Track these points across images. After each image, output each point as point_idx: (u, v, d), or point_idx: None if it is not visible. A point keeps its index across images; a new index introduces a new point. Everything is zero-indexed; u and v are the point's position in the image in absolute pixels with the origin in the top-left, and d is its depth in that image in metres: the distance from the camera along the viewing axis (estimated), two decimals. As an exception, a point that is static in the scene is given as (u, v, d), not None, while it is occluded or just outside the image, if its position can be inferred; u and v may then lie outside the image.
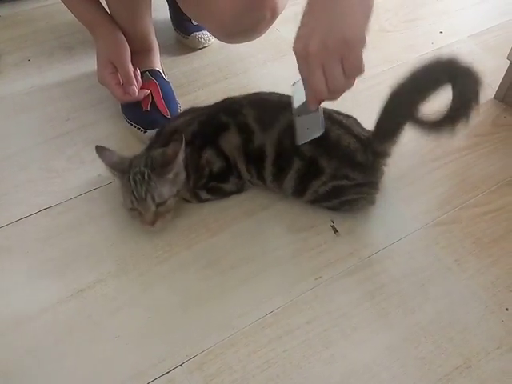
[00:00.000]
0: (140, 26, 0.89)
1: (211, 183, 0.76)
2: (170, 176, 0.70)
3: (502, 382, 0.60)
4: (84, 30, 0.87)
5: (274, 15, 0.78)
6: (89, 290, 0.68)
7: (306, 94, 0.62)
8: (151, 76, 0.89)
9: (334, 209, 0.75)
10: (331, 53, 0.54)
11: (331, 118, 0.71)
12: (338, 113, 0.74)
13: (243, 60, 1.04)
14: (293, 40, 0.57)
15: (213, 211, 0.77)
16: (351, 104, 0.95)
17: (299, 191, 0.73)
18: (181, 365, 0.61)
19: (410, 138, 0.88)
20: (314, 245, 0.72)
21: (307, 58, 0.55)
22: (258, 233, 0.74)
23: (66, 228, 0.75)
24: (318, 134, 0.65)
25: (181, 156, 0.70)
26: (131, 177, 0.69)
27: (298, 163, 0.70)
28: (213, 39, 1.06)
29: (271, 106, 0.72)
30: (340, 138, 0.70)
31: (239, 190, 0.78)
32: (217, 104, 0.77)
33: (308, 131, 0.65)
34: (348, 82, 0.57)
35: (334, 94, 0.58)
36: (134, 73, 0.84)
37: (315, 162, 0.69)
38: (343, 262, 0.70)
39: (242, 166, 0.74)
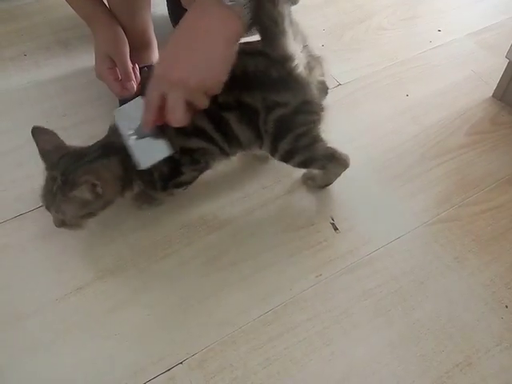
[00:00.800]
0: (139, 21, 0.88)
1: (169, 184, 0.71)
2: (76, 199, 0.63)
3: (502, 379, 0.60)
4: (81, 24, 0.86)
5: None
6: (88, 288, 0.68)
7: (144, 116, 0.60)
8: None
9: (299, 165, 0.71)
10: (187, 90, 0.56)
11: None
12: None
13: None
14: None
15: (212, 208, 0.77)
16: (350, 102, 0.96)
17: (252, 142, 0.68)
18: (181, 362, 0.61)
19: (408, 137, 0.89)
20: (314, 242, 0.72)
21: (164, 83, 0.56)
22: (258, 230, 0.74)
23: (64, 225, 0.74)
24: (166, 154, 0.62)
25: (94, 189, 0.63)
26: (48, 175, 0.64)
27: (231, 115, 0.65)
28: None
29: None
30: (245, 65, 0.62)
31: (201, 171, 0.74)
32: None
33: (151, 154, 0.62)
34: (186, 117, 0.58)
35: (174, 123, 0.58)
36: (133, 68, 0.83)
37: (242, 104, 0.64)
38: (343, 259, 0.70)
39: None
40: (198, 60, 0.55)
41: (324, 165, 0.73)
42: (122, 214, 0.75)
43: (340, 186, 0.79)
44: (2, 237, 0.73)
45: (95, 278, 0.69)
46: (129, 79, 0.81)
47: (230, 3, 0.52)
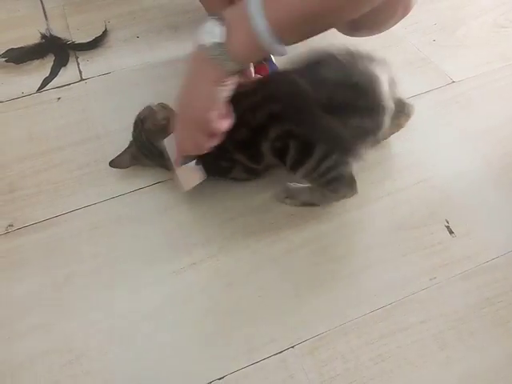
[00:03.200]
0: None
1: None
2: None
3: None
4: (191, 10, 0.88)
5: (405, 12, 0.77)
6: (202, 264, 0.70)
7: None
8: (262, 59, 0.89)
9: (320, 186, 0.72)
10: (190, 125, 0.64)
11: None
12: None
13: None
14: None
15: (321, 199, 0.77)
16: (464, 100, 0.91)
17: (300, 162, 0.69)
18: (292, 347, 0.62)
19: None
20: (428, 244, 0.70)
21: (179, 120, 0.66)
22: (368, 226, 0.73)
23: (180, 201, 0.77)
24: (202, 179, 0.72)
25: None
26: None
27: (293, 142, 0.67)
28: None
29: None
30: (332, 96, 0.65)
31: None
32: None
33: (190, 179, 0.73)
34: (211, 141, 0.65)
35: (198, 152, 0.67)
36: None
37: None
38: (460, 264, 0.68)
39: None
40: (188, 101, 0.63)
41: (338, 188, 0.72)
42: (232, 198, 0.77)
43: (454, 188, 0.76)
44: (122, 207, 0.77)
45: (208, 255, 0.71)
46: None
47: (210, 57, 0.56)
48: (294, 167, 0.70)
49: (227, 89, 0.60)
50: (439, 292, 0.66)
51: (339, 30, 0.89)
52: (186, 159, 0.70)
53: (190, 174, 0.72)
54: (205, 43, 0.56)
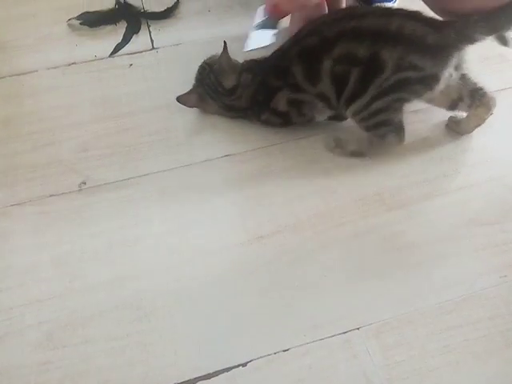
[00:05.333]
0: None
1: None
2: None
3: None
4: None
5: None
6: (268, 238, 0.71)
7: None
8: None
9: (367, 129, 0.75)
10: None
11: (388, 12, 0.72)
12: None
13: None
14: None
15: (389, 186, 0.76)
16: None
17: (354, 96, 0.71)
18: (358, 328, 0.62)
19: None
20: (500, 242, 0.69)
21: None
22: (437, 218, 0.72)
23: (248, 176, 0.78)
24: (268, 43, 0.72)
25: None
26: None
27: (355, 71, 0.69)
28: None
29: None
30: (402, 26, 0.67)
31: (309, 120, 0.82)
32: None
33: (256, 42, 0.73)
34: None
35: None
36: None
37: (375, 58, 0.68)
38: (533, 265, 0.67)
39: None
40: None
41: (385, 134, 0.75)
42: (301, 176, 0.78)
43: (530, 188, 0.74)
44: (191, 176, 0.79)
45: (275, 231, 0.72)
46: None
47: None
48: (348, 102, 0.72)
49: None
50: (509, 290, 0.65)
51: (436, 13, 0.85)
52: (267, 24, 0.72)
53: (259, 38, 0.73)
54: None
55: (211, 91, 0.82)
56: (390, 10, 0.77)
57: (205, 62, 0.84)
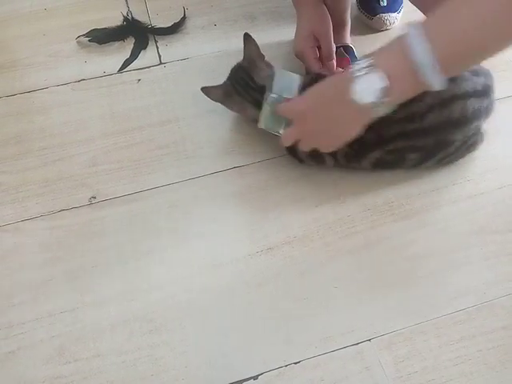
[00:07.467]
0: (343, 0, 0.89)
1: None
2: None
3: None
4: (268, 0, 0.88)
5: None
6: (277, 249, 0.71)
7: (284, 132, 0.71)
8: (345, 52, 0.89)
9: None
10: (316, 139, 0.68)
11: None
12: None
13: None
14: None
15: (398, 195, 0.76)
16: None
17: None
18: (369, 340, 0.62)
19: None
20: (511, 250, 0.69)
21: (300, 118, 0.67)
22: (447, 227, 0.72)
23: (257, 187, 0.78)
24: (282, 128, 0.71)
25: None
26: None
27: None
28: (396, 22, 1.03)
29: None
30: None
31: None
32: None
33: (274, 123, 0.72)
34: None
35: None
36: None
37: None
38: (546, 274, 0.66)
39: None
40: (326, 127, 0.65)
41: None
42: (310, 187, 0.78)
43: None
44: (200, 189, 0.79)
45: (284, 242, 0.72)
46: (331, 58, 0.83)
47: (366, 109, 0.58)
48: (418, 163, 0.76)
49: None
50: (523, 300, 0.64)
51: None
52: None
53: (276, 120, 0.72)
54: (363, 100, 0.57)
55: (240, 87, 0.80)
56: None
57: (237, 64, 0.84)
